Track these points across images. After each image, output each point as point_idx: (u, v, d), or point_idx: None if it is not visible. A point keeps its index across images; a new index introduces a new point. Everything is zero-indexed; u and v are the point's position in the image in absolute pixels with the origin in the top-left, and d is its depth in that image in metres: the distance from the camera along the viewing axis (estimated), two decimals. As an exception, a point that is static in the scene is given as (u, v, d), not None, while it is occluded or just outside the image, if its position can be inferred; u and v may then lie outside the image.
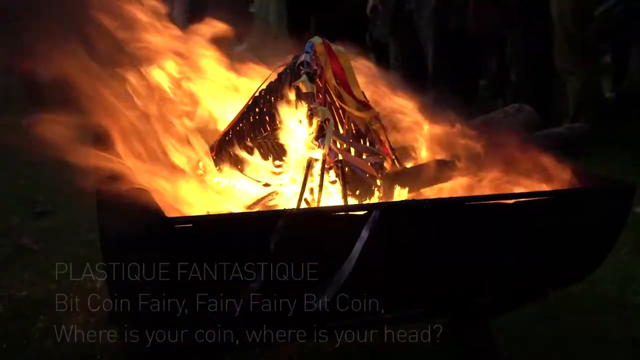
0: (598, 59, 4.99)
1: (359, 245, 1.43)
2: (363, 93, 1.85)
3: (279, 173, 1.72)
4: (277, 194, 1.68)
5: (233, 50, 2.21)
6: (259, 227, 1.43)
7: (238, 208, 1.69)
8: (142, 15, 1.90)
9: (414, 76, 5.42)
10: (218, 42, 2.07)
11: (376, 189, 1.75)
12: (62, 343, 2.14)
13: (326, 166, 1.64)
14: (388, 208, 1.59)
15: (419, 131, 2.02)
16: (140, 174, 1.61)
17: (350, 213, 1.52)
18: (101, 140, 1.74)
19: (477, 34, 5.58)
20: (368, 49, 6.48)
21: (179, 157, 1.80)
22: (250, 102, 1.82)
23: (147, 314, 1.58)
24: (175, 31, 1.97)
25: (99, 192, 1.83)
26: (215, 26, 2.03)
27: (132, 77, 1.84)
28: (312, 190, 1.62)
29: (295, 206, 1.61)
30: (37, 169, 3.73)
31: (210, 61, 2.00)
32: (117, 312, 2.13)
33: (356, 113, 1.82)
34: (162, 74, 1.94)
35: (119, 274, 1.94)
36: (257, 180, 1.76)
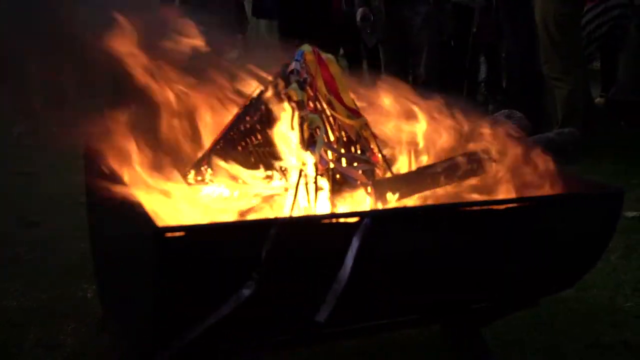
0: (586, 65, 5.01)
1: (350, 255, 1.43)
2: (353, 101, 1.85)
3: (271, 181, 1.72)
4: (268, 202, 1.68)
5: (225, 58, 2.21)
6: (251, 235, 1.43)
7: (230, 216, 1.69)
8: None
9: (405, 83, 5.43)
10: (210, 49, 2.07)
11: (367, 196, 1.76)
12: (54, 352, 2.13)
13: (317, 174, 1.64)
14: (379, 215, 1.60)
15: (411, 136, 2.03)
16: (132, 183, 1.61)
17: (341, 220, 1.52)
18: (94, 149, 1.75)
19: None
20: (361, 56, 6.51)
21: (170, 167, 1.81)
22: (240, 111, 1.83)
23: (138, 322, 1.57)
24: None
25: (90, 202, 1.83)
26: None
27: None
28: (304, 198, 1.63)
29: (287, 214, 1.61)
30: (28, 178, 3.72)
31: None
32: (109, 320, 2.13)
33: (347, 121, 1.83)
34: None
35: (111, 282, 1.94)
36: (248, 189, 1.76)
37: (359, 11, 5.35)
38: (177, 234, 1.36)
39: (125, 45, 1.81)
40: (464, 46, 5.76)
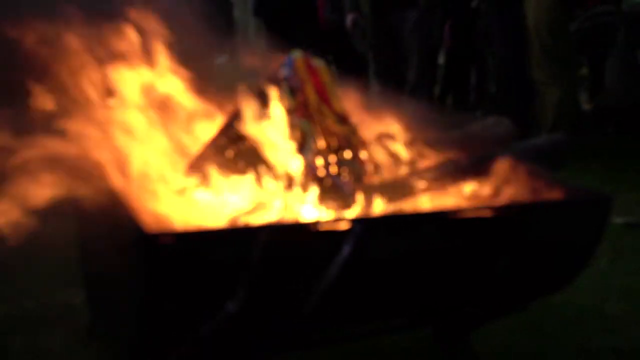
0: (575, 71, 5.05)
1: (340, 259, 1.43)
2: (343, 107, 1.86)
3: (260, 187, 1.72)
4: (257, 208, 1.68)
5: (214, 62, 2.21)
6: (241, 241, 1.42)
7: (219, 222, 1.69)
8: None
9: (393, 89, 5.46)
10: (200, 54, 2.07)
11: (356, 202, 1.75)
12: (42, 359, 2.11)
13: (306, 180, 1.64)
14: (370, 222, 1.60)
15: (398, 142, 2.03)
16: (121, 188, 1.60)
17: (331, 227, 1.52)
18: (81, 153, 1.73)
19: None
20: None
21: (159, 172, 1.80)
22: (230, 117, 1.82)
23: (128, 329, 1.56)
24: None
25: (79, 208, 1.81)
26: None
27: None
28: (293, 204, 1.63)
29: (276, 220, 1.61)
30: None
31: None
32: (98, 327, 2.11)
33: (336, 127, 1.83)
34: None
35: (100, 289, 1.93)
36: (237, 195, 1.75)
37: (349, 17, 5.37)
38: (167, 239, 1.36)
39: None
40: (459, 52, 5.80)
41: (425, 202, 1.88)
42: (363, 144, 1.86)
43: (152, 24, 1.90)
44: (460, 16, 5.60)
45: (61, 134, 1.71)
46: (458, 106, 6.12)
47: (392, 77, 5.48)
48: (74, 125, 1.74)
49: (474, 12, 5.89)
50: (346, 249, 1.45)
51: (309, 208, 1.67)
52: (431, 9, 5.24)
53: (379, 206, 1.77)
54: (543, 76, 4.47)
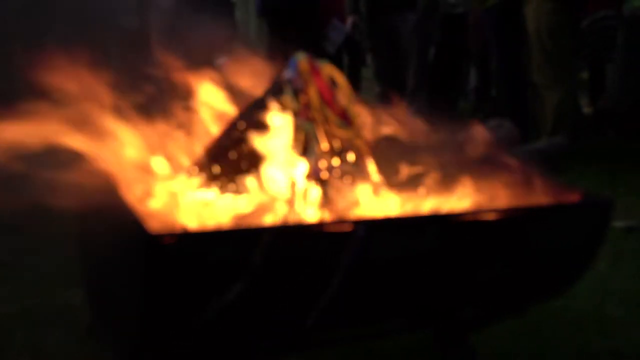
0: (575, 75, 5.06)
1: (345, 262, 1.43)
2: (347, 109, 1.86)
3: (263, 189, 1.72)
4: (260, 209, 1.68)
5: (214, 63, 2.21)
6: (244, 242, 1.42)
7: (221, 223, 1.69)
8: None
9: (394, 91, 5.46)
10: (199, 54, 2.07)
11: (358, 204, 1.76)
12: (41, 358, 2.11)
13: (309, 182, 1.64)
14: (372, 223, 1.60)
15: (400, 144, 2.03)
16: (124, 188, 1.61)
17: (334, 229, 1.52)
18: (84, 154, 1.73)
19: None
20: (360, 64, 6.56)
21: (162, 172, 1.80)
22: (234, 119, 1.83)
23: (128, 328, 1.56)
24: None
25: (81, 207, 1.81)
26: None
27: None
28: (296, 206, 1.63)
29: (279, 221, 1.61)
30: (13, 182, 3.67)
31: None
32: (98, 326, 2.11)
33: (339, 130, 1.83)
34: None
35: (101, 288, 1.93)
36: (240, 196, 1.75)
37: (349, 19, 5.40)
38: (170, 240, 1.36)
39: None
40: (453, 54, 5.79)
41: (428, 204, 1.88)
42: (365, 147, 1.86)
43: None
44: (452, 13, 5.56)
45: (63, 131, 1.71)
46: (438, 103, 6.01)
47: (392, 78, 5.50)
48: (75, 126, 1.74)
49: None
50: (349, 251, 1.45)
51: (312, 210, 1.67)
52: (430, 11, 5.26)
53: (381, 207, 1.77)
54: (543, 79, 4.48)
